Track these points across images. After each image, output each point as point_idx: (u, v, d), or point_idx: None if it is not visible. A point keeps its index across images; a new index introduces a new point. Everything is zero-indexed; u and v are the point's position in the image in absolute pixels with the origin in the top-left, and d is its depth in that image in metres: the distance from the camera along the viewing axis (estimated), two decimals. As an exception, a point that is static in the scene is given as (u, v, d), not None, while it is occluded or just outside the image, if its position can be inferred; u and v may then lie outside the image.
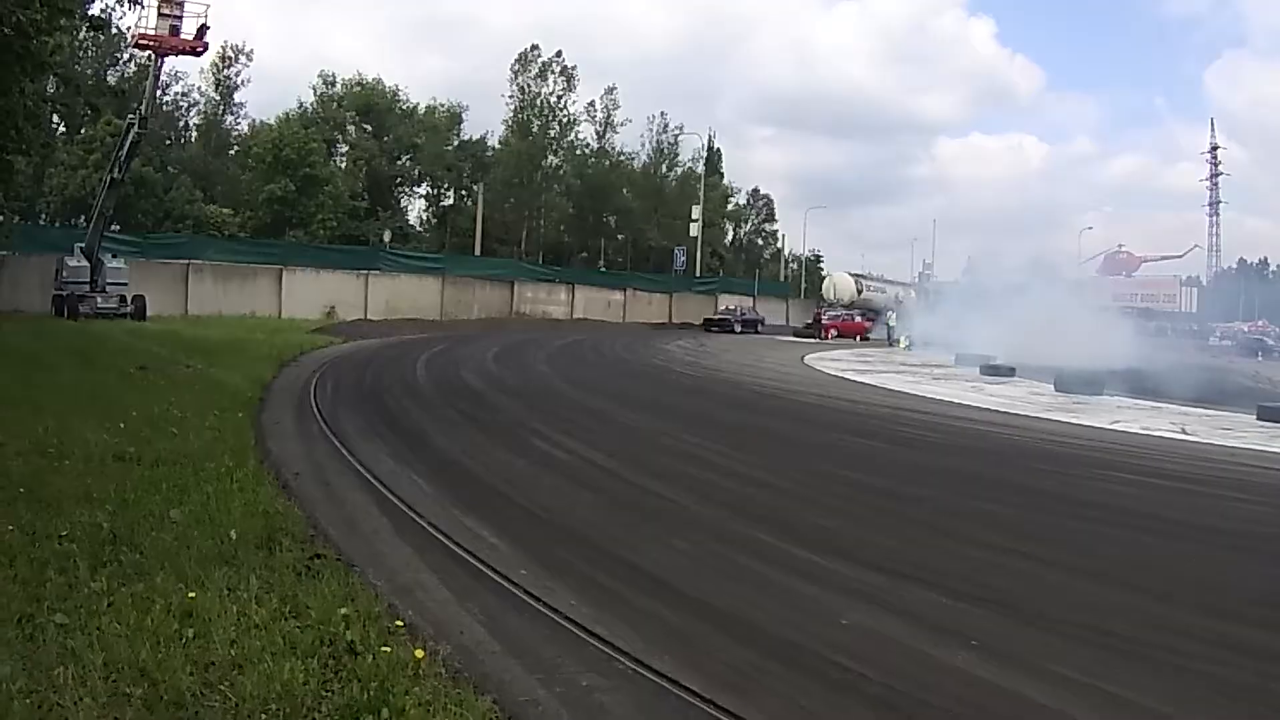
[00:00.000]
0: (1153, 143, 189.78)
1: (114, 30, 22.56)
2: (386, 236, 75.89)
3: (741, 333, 70.83)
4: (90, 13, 22.17)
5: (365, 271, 61.45)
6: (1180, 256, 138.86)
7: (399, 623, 6.90)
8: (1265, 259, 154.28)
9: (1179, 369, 50.16)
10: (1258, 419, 27.41)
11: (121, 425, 13.61)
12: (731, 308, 77.50)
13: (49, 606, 6.43)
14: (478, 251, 78.48)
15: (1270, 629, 8.39)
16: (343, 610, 6.73)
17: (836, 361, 45.34)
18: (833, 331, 72.87)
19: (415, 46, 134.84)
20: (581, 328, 62.94)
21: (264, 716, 5.16)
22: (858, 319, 76.45)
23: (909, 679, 6.79)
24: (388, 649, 6.17)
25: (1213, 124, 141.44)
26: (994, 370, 40.13)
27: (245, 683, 5.51)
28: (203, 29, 41.05)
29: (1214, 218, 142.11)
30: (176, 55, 44.92)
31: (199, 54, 47.84)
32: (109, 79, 63.99)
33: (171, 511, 8.97)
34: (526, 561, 9.02)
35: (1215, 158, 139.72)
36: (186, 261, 53.19)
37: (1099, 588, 9.52)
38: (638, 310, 74.90)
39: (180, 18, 38.08)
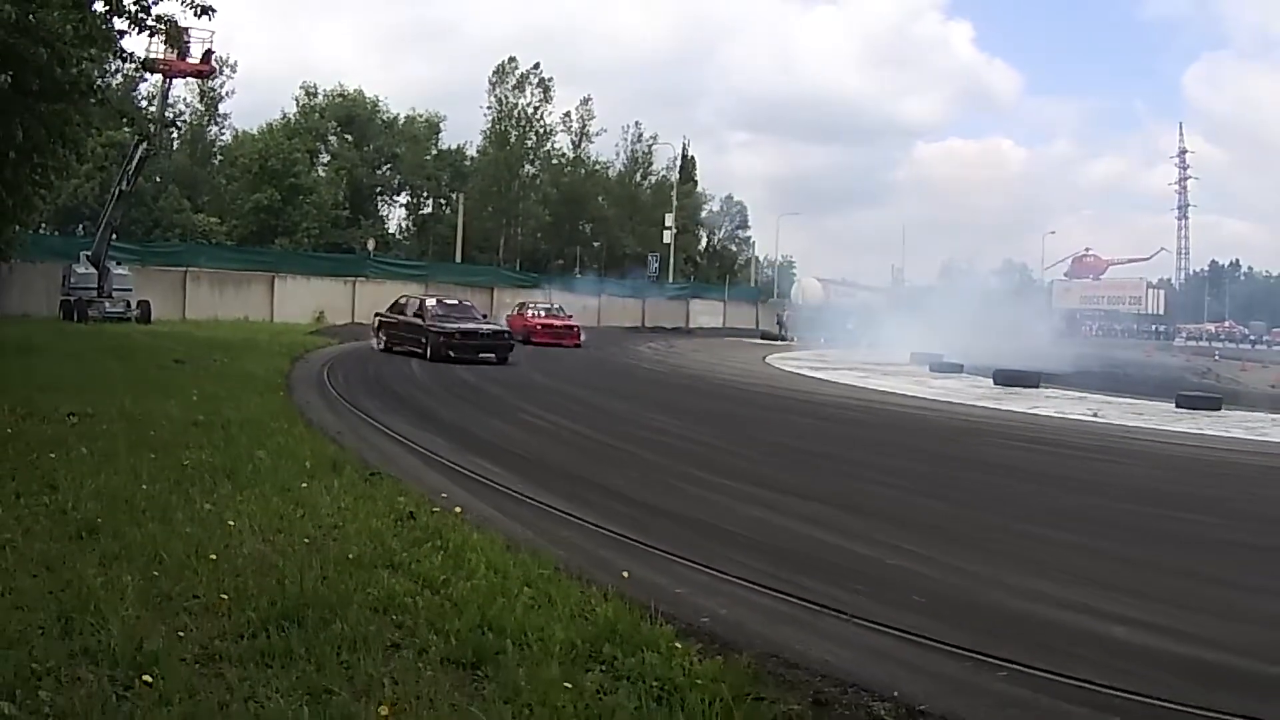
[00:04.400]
0: (1131, 146, 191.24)
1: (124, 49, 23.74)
2: (370, 245, 77.96)
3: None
4: (131, 52, 24.15)
5: (352, 278, 63.91)
6: (1147, 259, 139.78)
7: (443, 496, 10.39)
8: (1237, 261, 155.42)
9: (1129, 366, 52.99)
10: (1176, 406, 29.97)
11: (193, 398, 16.84)
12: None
13: (198, 500, 9.40)
14: (458, 259, 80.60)
15: (1064, 529, 11.76)
16: (400, 498, 10.14)
17: (795, 361, 48.05)
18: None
19: (397, 53, 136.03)
20: (558, 331, 65.25)
21: (357, 546, 8.17)
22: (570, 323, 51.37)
23: (768, 537, 10.47)
24: (436, 510, 9.57)
25: (1181, 129, 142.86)
26: (943, 367, 42.62)
27: (347, 531, 8.66)
28: (208, 53, 43.37)
29: (1183, 221, 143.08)
30: (185, 77, 47.26)
31: (204, 76, 50.36)
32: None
33: (258, 452, 12.04)
34: (521, 481, 12.50)
35: (1184, 162, 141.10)
36: (184, 269, 55.80)
37: (951, 508, 13.01)
38: (612, 315, 76.27)
39: (188, 42, 39.93)
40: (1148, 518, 13.06)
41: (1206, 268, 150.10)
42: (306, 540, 8.29)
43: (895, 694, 6.14)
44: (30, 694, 4.99)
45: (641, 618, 6.83)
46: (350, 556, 7.78)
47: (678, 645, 6.41)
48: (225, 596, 6.61)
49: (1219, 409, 30.03)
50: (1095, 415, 26.85)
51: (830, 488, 13.83)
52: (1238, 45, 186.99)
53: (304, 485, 10.45)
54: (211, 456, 11.66)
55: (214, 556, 7.42)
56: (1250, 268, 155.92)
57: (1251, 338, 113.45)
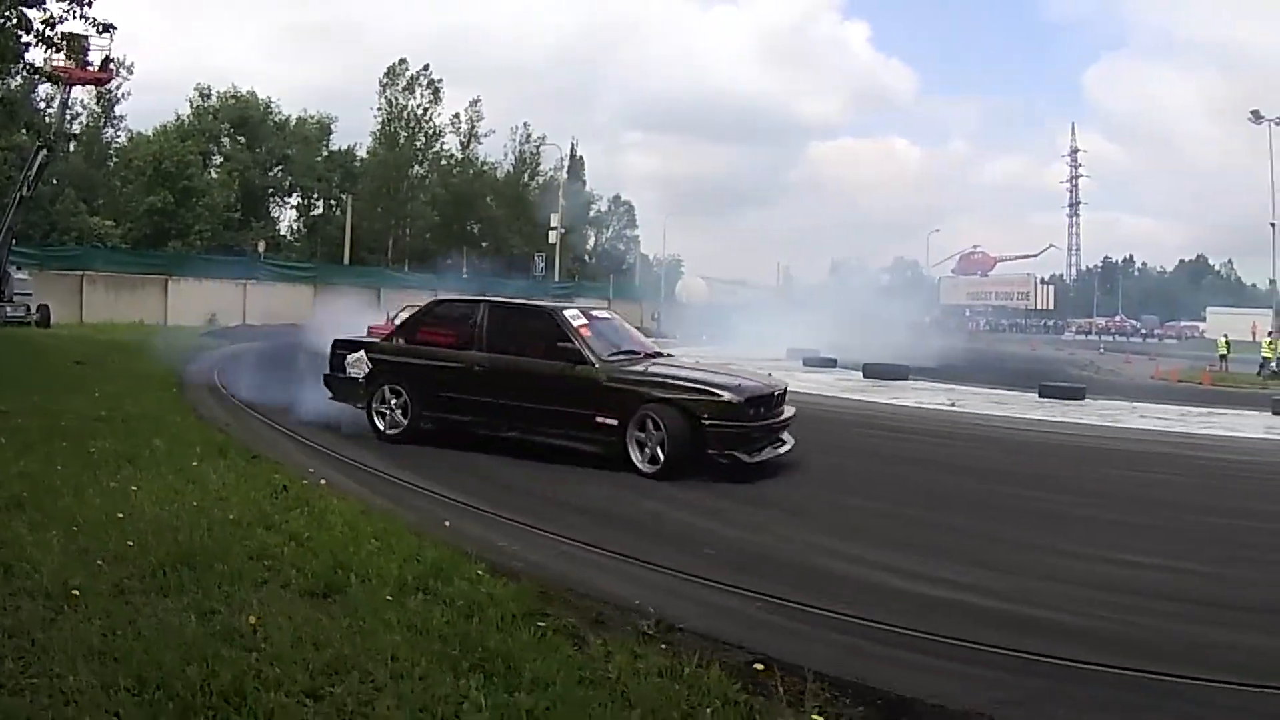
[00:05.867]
0: (1029, 146, 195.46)
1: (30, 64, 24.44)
2: (261, 247, 78.87)
3: None
4: (33, 64, 25.39)
5: (244, 280, 65.03)
6: (1035, 256, 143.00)
7: (310, 471, 12.24)
8: (1131, 257, 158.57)
9: (1010, 359, 54.72)
10: (1039, 396, 31.67)
11: (96, 395, 18.42)
12: None
13: (105, 480, 10.99)
14: (346, 260, 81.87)
15: (886, 500, 13.74)
16: (276, 475, 11.91)
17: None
18: None
19: (290, 54, 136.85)
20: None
21: (238, 511, 9.84)
22: None
23: (612, 507, 12.41)
24: (304, 481, 11.37)
25: (1073, 128, 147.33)
26: (816, 362, 43.72)
27: (231, 501, 10.31)
28: (107, 60, 44.16)
29: (1074, 218, 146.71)
30: (84, 85, 47.96)
31: (103, 83, 51.08)
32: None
33: (155, 440, 13.62)
34: (387, 465, 14.22)
35: (1075, 160, 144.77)
36: (81, 272, 56.57)
37: (790, 487, 14.61)
38: (497, 313, 74.52)
39: (87, 50, 40.37)
40: (971, 491, 14.98)
41: (1099, 264, 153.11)
42: (195, 505, 9.96)
43: (661, 615, 7.83)
44: (-19, 620, 6.61)
45: (463, 560, 8.66)
46: (231, 518, 9.52)
47: (481, 573, 8.28)
48: (131, 544, 8.30)
49: (1082, 399, 31.62)
50: (953, 405, 28.39)
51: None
52: (1137, 45, 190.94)
53: (195, 465, 12.11)
54: (115, 445, 13.23)
55: (121, 516, 9.18)
56: (1144, 264, 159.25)
57: (1143, 332, 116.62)
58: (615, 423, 14.93)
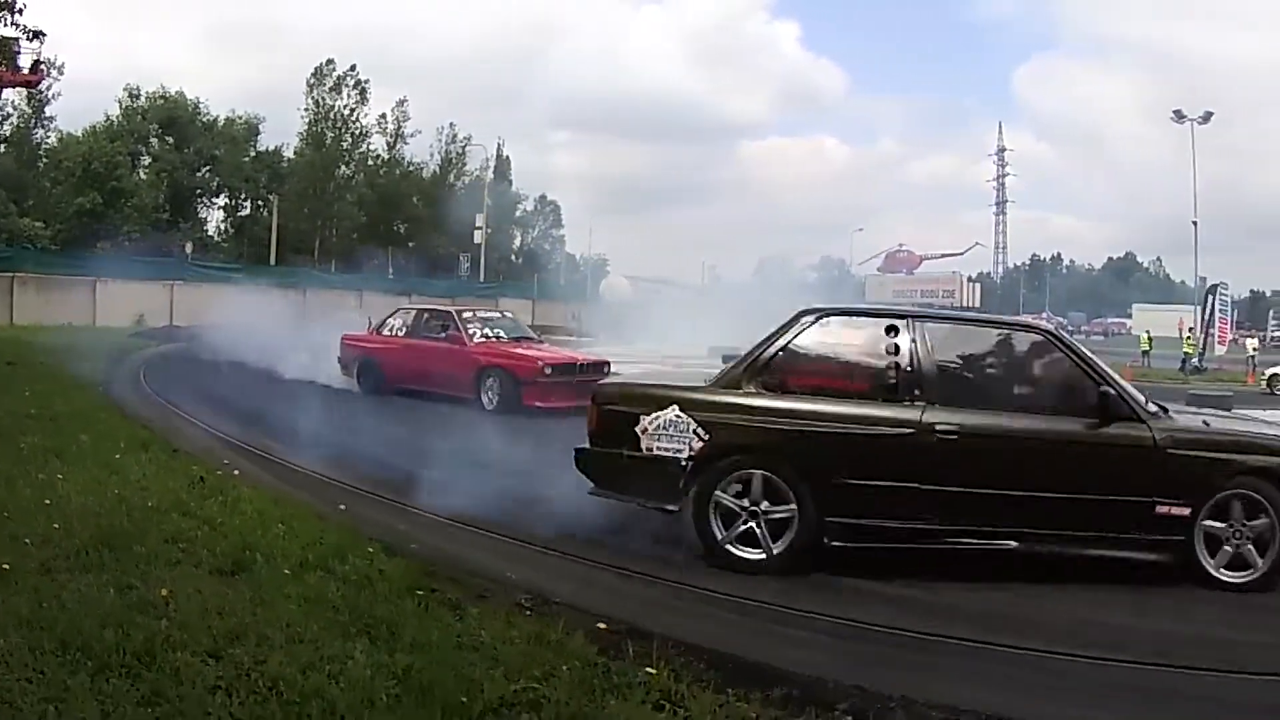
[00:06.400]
0: (959, 144, 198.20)
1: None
2: (189, 248, 78.91)
3: None
4: None
5: (171, 281, 64.74)
6: (961, 254, 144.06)
7: (224, 462, 13.14)
8: (1059, 255, 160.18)
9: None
10: None
11: (26, 394, 19.19)
12: None
13: (34, 472, 11.80)
14: (273, 261, 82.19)
15: None
16: (195, 468, 12.76)
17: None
18: None
19: (219, 53, 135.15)
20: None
21: (157, 499, 10.69)
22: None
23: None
24: (220, 473, 12.26)
25: (1000, 127, 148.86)
26: (735, 358, 44.10)
27: (151, 492, 11.13)
28: (37, 63, 44.42)
29: (1001, 217, 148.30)
30: (15, 88, 48.12)
31: (34, 86, 51.25)
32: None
33: (82, 436, 14.47)
34: (302, 458, 14.81)
35: (1002, 160, 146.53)
36: (12, 274, 56.56)
37: None
38: (423, 313, 73.84)
39: (19, 53, 40.52)
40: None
41: (1027, 262, 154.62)
42: (117, 494, 10.78)
43: (539, 590, 8.83)
44: (-77, 595, 7.47)
45: (361, 541, 9.61)
46: (150, 505, 10.35)
47: (373, 552, 9.25)
48: (57, 527, 9.14)
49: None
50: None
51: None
52: (1066, 46, 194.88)
53: (118, 458, 12.94)
54: (44, 440, 13.99)
55: (48, 503, 10.04)
56: (1073, 261, 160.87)
57: (1069, 328, 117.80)
58: (1187, 512, 9.49)
